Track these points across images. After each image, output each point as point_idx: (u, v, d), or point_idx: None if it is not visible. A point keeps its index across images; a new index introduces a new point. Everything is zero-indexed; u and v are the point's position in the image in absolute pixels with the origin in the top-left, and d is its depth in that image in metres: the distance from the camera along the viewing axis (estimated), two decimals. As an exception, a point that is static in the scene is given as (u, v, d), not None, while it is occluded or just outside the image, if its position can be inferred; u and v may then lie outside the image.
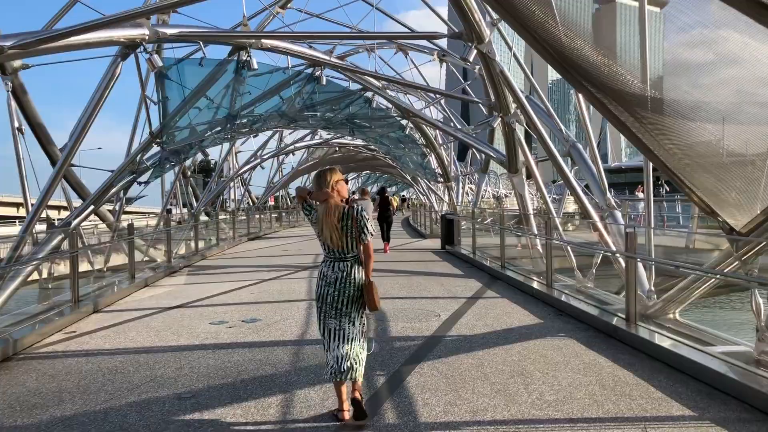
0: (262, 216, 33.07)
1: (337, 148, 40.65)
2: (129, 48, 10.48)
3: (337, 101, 18.92)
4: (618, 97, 6.55)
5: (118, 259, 24.26)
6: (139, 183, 15.91)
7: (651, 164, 9.58)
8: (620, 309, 8.10)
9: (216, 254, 20.00)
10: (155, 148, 15.37)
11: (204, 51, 11.63)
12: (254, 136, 24.80)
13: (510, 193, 57.92)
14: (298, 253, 19.39)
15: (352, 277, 4.72)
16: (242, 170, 30.67)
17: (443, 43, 24.90)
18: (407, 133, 22.18)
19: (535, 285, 10.95)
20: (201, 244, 24.19)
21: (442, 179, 27.53)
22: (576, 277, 12.04)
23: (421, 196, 48.90)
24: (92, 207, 13.81)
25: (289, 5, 16.44)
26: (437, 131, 24.66)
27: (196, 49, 11.75)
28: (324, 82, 16.15)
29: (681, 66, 6.04)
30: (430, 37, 12.30)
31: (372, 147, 40.32)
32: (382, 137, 25.84)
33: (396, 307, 9.51)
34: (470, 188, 36.61)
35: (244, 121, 18.53)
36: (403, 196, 74.25)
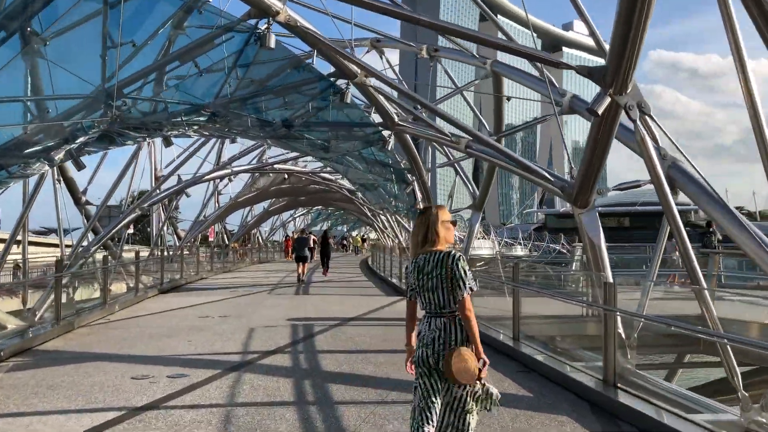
0: (186, 256, 25.81)
1: (286, 176, 33.74)
2: None
3: (292, 89, 12.26)
4: None
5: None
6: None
7: None
8: None
9: (94, 322, 12.79)
10: None
11: None
12: (166, 146, 17.69)
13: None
14: (223, 324, 12.44)
15: (451, 337, 3.96)
16: (157, 196, 23.38)
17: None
18: (389, 148, 15.61)
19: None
20: (91, 297, 17.01)
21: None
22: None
23: (383, 236, 42.40)
24: None
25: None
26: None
27: None
28: (272, 44, 9.49)
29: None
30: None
31: (327, 176, 33.70)
32: (351, 156, 19.23)
33: None
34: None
35: (139, 113, 11.61)
36: (364, 236, 71.09)
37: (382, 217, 37.66)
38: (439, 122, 14.76)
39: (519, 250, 54.43)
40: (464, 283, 3.97)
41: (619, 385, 6.90)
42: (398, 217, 29.13)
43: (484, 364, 3.98)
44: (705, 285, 7.44)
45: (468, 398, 4.01)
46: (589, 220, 9.92)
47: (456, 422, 4.02)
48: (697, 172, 6.99)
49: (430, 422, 3.92)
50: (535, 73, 12.51)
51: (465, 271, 3.99)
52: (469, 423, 4.03)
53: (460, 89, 16.22)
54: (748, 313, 13.37)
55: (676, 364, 15.06)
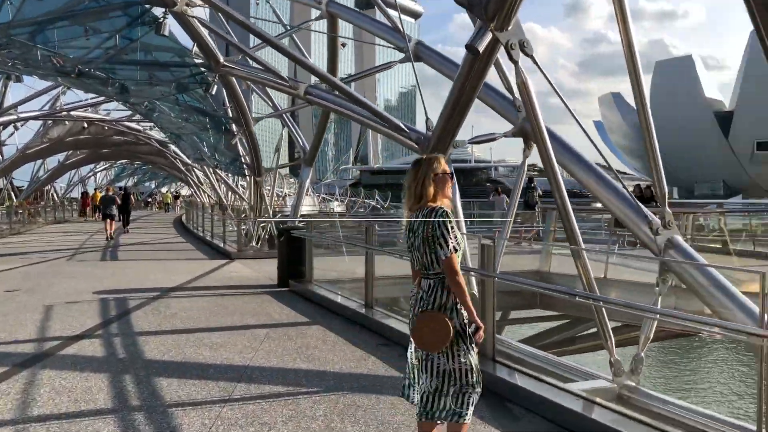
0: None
1: (85, 125, 29.90)
2: None
3: (95, 16, 10.08)
4: None
5: None
6: None
7: None
8: None
9: None
10: None
11: None
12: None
13: (284, 193, 45.16)
14: (10, 302, 10.18)
15: (431, 299, 3.65)
16: None
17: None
18: (212, 92, 13.79)
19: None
20: None
21: (249, 172, 19.37)
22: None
23: (199, 192, 39.63)
24: None
25: None
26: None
27: None
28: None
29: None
30: None
31: (134, 125, 30.46)
32: (164, 102, 16.96)
33: None
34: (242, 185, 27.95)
35: None
36: (176, 193, 67.17)
37: (198, 172, 35.09)
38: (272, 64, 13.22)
39: (336, 207, 54.70)
40: (445, 242, 3.58)
41: (497, 359, 6.23)
42: (218, 172, 27.05)
43: (477, 329, 3.65)
44: (583, 245, 6.95)
45: (459, 374, 3.63)
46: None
47: (451, 404, 3.69)
48: (584, 132, 6.33)
49: (405, 395, 3.84)
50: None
51: (447, 228, 3.59)
52: (470, 402, 3.70)
53: (291, 30, 14.71)
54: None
55: (505, 322, 15.24)
